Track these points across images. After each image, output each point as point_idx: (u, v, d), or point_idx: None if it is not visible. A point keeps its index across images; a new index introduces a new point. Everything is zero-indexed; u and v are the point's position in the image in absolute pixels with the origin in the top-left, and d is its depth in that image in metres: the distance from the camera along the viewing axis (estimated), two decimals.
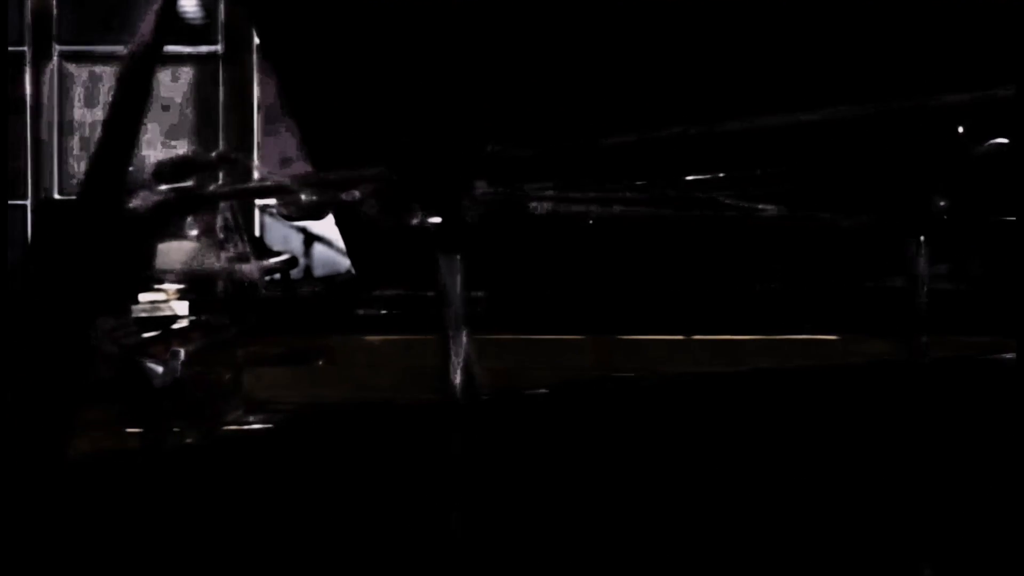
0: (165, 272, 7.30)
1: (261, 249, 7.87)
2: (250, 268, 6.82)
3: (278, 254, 7.83)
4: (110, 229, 2.23)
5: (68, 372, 2.26)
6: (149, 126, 9.68)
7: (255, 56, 9.66)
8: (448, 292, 1.84)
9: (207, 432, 2.52)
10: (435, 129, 2.65)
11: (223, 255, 6.75)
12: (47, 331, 2.23)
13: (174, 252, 7.94)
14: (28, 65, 9.45)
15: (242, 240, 7.20)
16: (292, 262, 7.59)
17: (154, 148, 9.67)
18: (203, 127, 9.70)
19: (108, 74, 9.63)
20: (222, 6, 9.61)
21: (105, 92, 9.62)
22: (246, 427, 2.69)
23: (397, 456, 2.19)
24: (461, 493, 1.87)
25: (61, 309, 2.27)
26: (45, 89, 9.50)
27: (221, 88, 9.67)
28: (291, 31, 2.89)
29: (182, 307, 6.31)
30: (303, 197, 2.11)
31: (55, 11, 9.45)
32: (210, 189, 2.46)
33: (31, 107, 9.47)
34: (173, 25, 2.39)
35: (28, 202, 9.47)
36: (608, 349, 2.81)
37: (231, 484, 2.22)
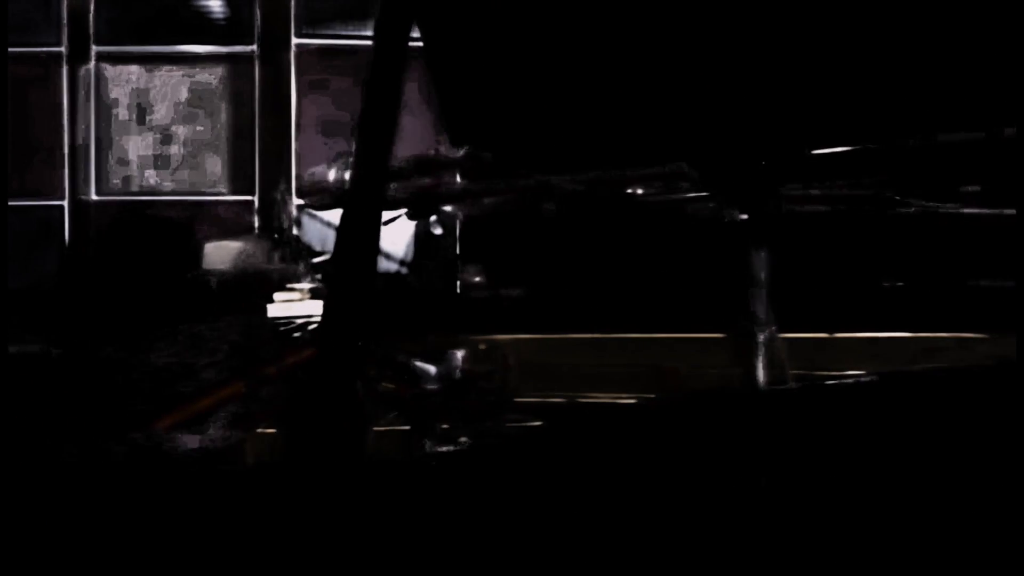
0: (213, 271, 7.36)
1: (304, 249, 7.88)
2: (296, 267, 6.86)
3: (320, 253, 7.85)
4: (375, 228, 2.25)
5: (359, 371, 2.29)
6: (181, 130, 9.71)
7: (292, 55, 9.67)
8: (757, 286, 1.83)
9: (483, 430, 2.52)
10: (750, 130, 2.63)
11: (273, 255, 6.79)
12: (342, 331, 2.24)
13: (222, 251, 7.97)
14: (65, 66, 9.48)
15: (292, 240, 7.25)
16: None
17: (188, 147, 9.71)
18: (238, 126, 9.72)
19: (145, 75, 9.65)
20: (257, 5, 9.62)
21: (137, 92, 9.66)
22: (526, 424, 2.68)
23: (717, 449, 2.15)
24: (788, 489, 1.84)
25: (352, 307, 2.29)
26: (81, 90, 9.53)
27: (256, 87, 9.67)
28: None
29: (315, 306, 6.36)
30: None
31: (92, 12, 9.48)
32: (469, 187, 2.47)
33: (68, 108, 9.49)
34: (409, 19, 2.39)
35: (65, 203, 9.50)
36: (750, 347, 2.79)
37: (542, 481, 2.19)
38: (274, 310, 6.11)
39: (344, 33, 9.86)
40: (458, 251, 8.89)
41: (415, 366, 2.63)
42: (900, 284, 2.96)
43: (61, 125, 9.48)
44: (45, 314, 8.75)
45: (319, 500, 2.06)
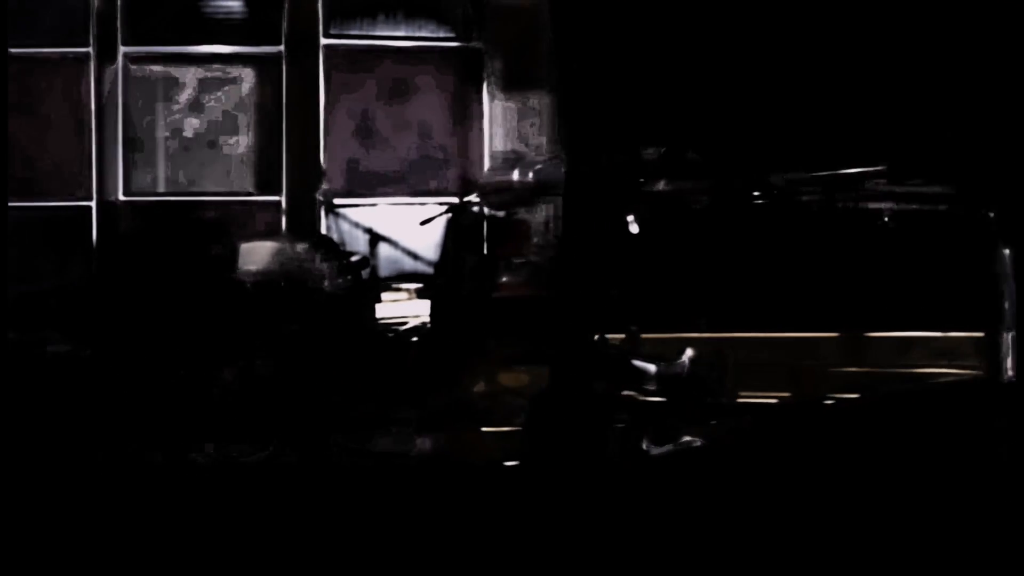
0: (249, 271, 7.35)
1: (337, 250, 7.89)
2: (328, 268, 6.85)
3: (351, 254, 7.86)
4: (599, 230, 2.28)
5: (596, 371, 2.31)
6: (208, 130, 9.72)
7: (320, 55, 9.66)
8: (1006, 284, 1.83)
9: (710, 430, 2.53)
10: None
11: (314, 255, 6.79)
12: (576, 332, 2.27)
13: (256, 252, 7.97)
14: (93, 67, 9.49)
15: (328, 241, 7.25)
16: (364, 262, 7.60)
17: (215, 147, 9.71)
18: (266, 126, 9.71)
19: (173, 75, 9.66)
20: (286, 7, 9.62)
21: (164, 93, 9.66)
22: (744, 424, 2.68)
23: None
24: None
25: (582, 308, 2.32)
26: (108, 90, 9.53)
27: (284, 88, 9.67)
28: None
29: (422, 306, 6.39)
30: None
31: (120, 13, 9.49)
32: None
33: (95, 109, 9.50)
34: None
35: (93, 203, 9.50)
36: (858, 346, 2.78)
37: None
38: (383, 310, 6.17)
39: (373, 33, 9.85)
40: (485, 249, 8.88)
41: (635, 365, 2.62)
42: None
43: (89, 126, 9.49)
44: (75, 315, 8.76)
45: (564, 498, 2.07)
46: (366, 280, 7.63)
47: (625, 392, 2.62)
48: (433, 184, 9.75)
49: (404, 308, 6.43)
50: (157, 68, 9.65)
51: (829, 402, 2.82)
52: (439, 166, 9.83)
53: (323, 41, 9.71)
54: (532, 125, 9.79)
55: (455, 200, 8.88)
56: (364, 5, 9.83)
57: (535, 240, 8.26)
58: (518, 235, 8.33)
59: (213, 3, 9.65)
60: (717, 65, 2.81)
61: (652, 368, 2.59)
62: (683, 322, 3.30)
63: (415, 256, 9.04)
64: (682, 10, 2.79)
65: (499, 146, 9.77)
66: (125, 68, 9.56)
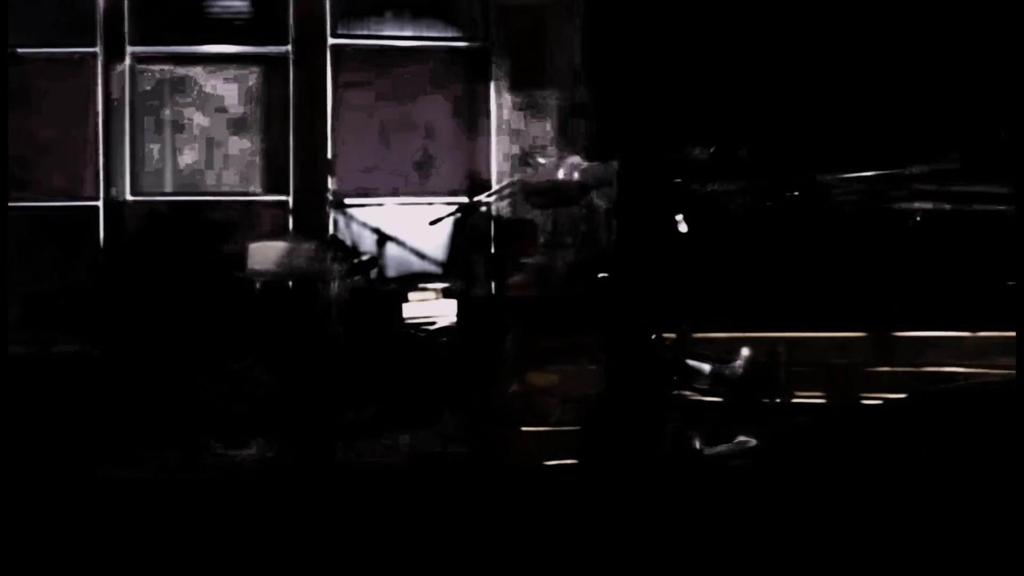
0: (257, 271, 7.34)
1: (346, 250, 7.88)
2: (337, 268, 6.84)
3: (361, 255, 7.84)
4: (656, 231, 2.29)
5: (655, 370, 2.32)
6: (215, 129, 9.71)
7: (327, 55, 9.65)
8: None
9: (769, 430, 2.52)
10: None
11: (324, 255, 6.78)
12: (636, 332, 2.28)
13: (266, 251, 7.97)
14: (100, 67, 9.48)
15: (339, 241, 7.23)
16: (373, 262, 7.59)
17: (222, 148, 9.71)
18: (272, 126, 9.70)
19: (179, 75, 9.66)
20: (293, 7, 9.61)
21: (171, 93, 9.66)
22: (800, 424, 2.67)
23: None
24: None
25: (642, 308, 2.33)
26: (116, 90, 9.53)
27: (291, 88, 9.66)
28: None
29: (449, 306, 6.39)
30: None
31: (127, 13, 9.48)
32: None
33: (103, 108, 9.50)
34: None
35: (100, 203, 9.50)
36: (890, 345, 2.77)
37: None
38: (409, 310, 6.18)
39: (380, 33, 9.84)
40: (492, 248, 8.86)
41: (690, 364, 2.62)
42: None
43: (96, 126, 9.48)
44: (82, 315, 8.76)
45: (626, 497, 2.08)
46: (389, 279, 7.63)
47: (678, 391, 2.62)
48: (440, 184, 9.74)
49: (431, 308, 6.42)
50: (164, 68, 9.65)
51: (879, 402, 2.81)
52: (446, 165, 9.81)
53: (330, 41, 9.70)
54: (539, 124, 9.77)
55: (463, 199, 8.86)
56: (371, 5, 9.82)
57: (565, 239, 8.26)
58: (533, 234, 8.33)
59: (220, 3, 9.64)
60: (770, 63, 2.80)
61: (707, 367, 2.59)
62: (730, 322, 3.30)
63: (423, 256, 9.03)
64: (737, 10, 2.79)
65: (506, 146, 9.75)
66: (132, 68, 9.55)
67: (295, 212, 9.53)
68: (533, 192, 5.72)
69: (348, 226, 9.23)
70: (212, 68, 9.70)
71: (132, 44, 9.52)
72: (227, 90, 9.72)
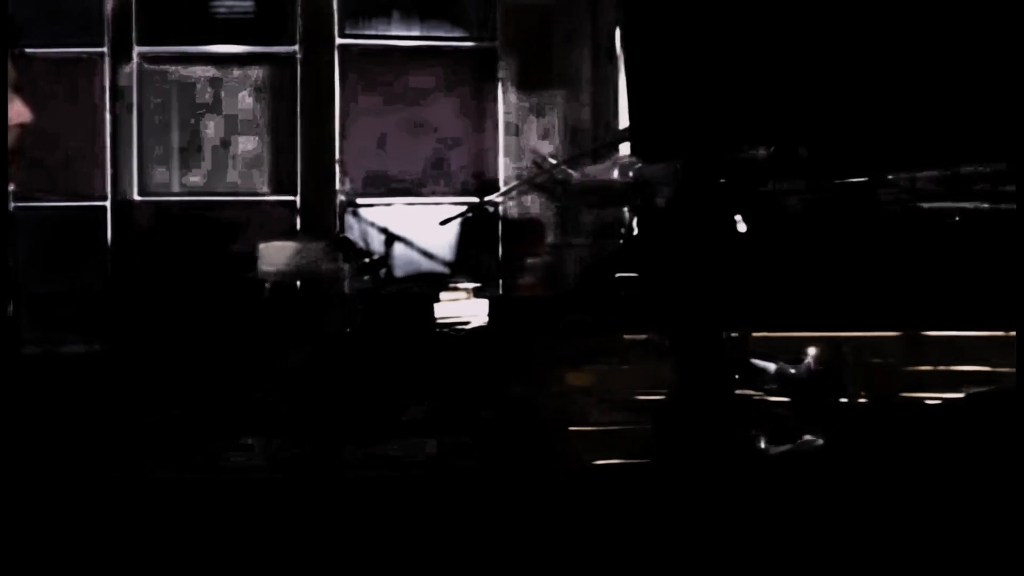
0: (268, 272, 7.33)
1: (355, 250, 7.87)
2: (347, 268, 6.84)
3: (370, 254, 7.84)
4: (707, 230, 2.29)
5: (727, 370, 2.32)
6: (223, 129, 9.70)
7: (335, 55, 9.64)
8: None
9: (833, 427, 2.51)
10: None
11: (336, 255, 6.77)
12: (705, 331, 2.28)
13: (276, 251, 7.96)
14: (107, 67, 9.48)
15: (348, 242, 7.21)
16: (381, 262, 7.58)
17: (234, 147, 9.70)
18: (280, 126, 9.70)
19: (187, 75, 9.65)
20: (300, 6, 9.60)
21: (179, 93, 9.65)
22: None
23: None
24: None
25: (708, 307, 2.33)
26: (123, 90, 9.52)
27: (299, 88, 9.65)
28: None
29: (481, 305, 6.38)
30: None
31: (134, 13, 9.47)
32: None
33: (110, 108, 9.49)
34: None
35: (107, 203, 9.49)
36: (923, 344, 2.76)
37: None
38: (441, 310, 6.18)
39: (388, 33, 9.83)
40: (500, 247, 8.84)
41: (754, 364, 2.62)
42: None
43: (103, 126, 9.48)
44: (90, 315, 8.75)
45: (700, 497, 2.07)
46: (404, 279, 7.63)
47: (742, 391, 2.62)
48: (449, 184, 9.73)
49: (463, 308, 6.42)
50: (172, 68, 9.64)
51: (938, 401, 2.80)
52: (454, 165, 9.81)
53: (338, 41, 9.69)
54: (547, 123, 9.76)
55: (472, 199, 8.85)
56: (379, 5, 9.81)
57: (577, 238, 8.23)
58: (543, 234, 8.31)
59: (228, 3, 9.63)
60: (831, 62, 2.79)
61: (772, 367, 2.58)
62: (789, 321, 3.29)
63: (431, 256, 9.02)
64: (796, 9, 2.78)
65: (513, 146, 9.74)
66: (140, 68, 9.54)
67: (303, 212, 9.53)
68: (578, 193, 5.69)
69: (357, 226, 9.21)
70: (220, 68, 9.69)
71: (140, 44, 9.52)
72: (235, 90, 9.71)
